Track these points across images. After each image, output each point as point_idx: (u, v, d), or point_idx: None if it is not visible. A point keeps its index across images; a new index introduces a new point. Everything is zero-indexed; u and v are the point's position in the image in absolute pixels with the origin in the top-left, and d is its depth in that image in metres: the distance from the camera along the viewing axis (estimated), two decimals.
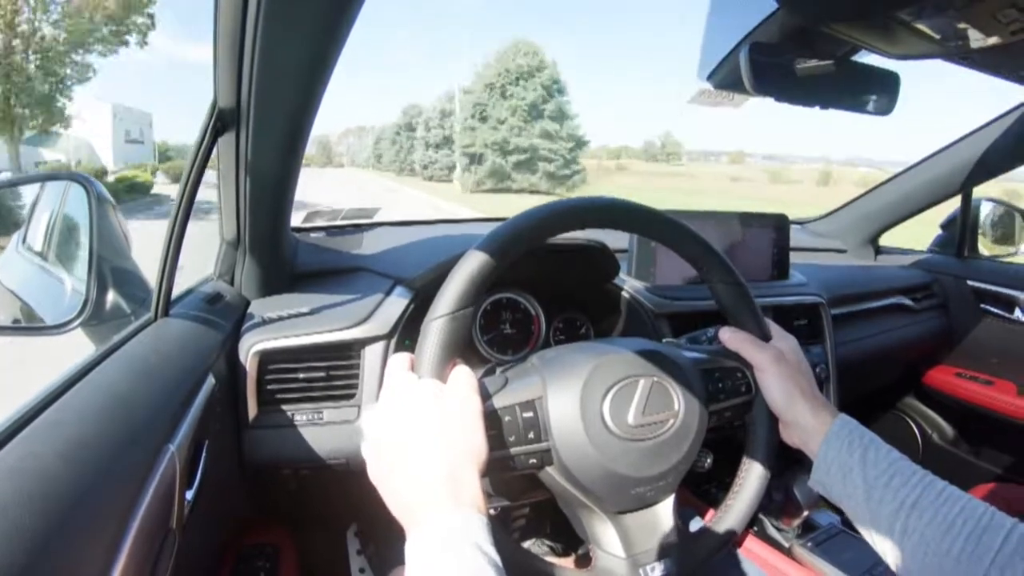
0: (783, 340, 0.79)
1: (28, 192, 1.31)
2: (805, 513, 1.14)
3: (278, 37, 0.64)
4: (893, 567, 0.63)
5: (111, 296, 0.99)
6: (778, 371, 0.74)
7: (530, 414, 0.65)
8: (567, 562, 0.89)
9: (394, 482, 0.56)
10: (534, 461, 0.66)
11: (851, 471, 0.66)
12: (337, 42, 0.65)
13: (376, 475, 0.58)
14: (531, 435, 0.65)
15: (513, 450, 0.64)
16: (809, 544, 1.11)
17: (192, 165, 0.87)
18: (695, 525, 1.11)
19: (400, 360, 0.63)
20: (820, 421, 0.71)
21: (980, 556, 0.56)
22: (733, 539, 0.77)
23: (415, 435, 0.56)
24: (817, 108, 0.90)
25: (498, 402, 0.65)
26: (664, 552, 0.69)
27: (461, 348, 0.63)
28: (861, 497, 0.65)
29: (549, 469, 0.67)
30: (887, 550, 0.64)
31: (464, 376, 0.61)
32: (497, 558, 0.49)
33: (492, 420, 0.63)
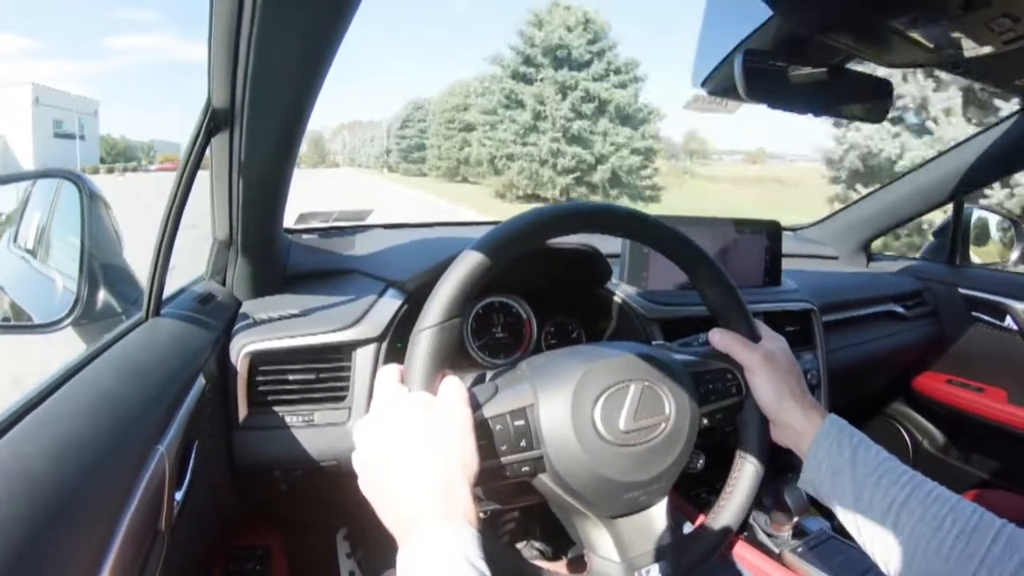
0: (773, 341, 0.79)
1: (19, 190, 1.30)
2: (795, 519, 1.14)
3: (273, 38, 0.64)
4: (882, 566, 0.64)
5: (102, 295, 0.98)
6: (768, 372, 0.74)
7: (521, 422, 0.65)
8: (557, 565, 0.89)
9: (386, 496, 0.56)
10: (527, 469, 0.66)
11: (841, 471, 0.67)
12: (332, 43, 0.65)
13: (368, 488, 0.58)
14: (523, 443, 0.65)
15: (505, 459, 0.64)
16: (800, 550, 1.12)
17: (185, 165, 0.86)
18: (686, 530, 1.11)
19: (389, 372, 0.63)
20: (810, 421, 0.71)
21: (970, 555, 0.56)
22: (727, 540, 0.77)
23: (405, 449, 0.56)
24: (810, 115, 0.91)
25: (488, 411, 0.64)
26: (659, 555, 0.70)
27: (450, 358, 0.63)
28: (851, 497, 0.66)
29: (542, 476, 0.67)
30: (876, 549, 0.64)
31: (454, 387, 0.61)
32: (488, 572, 0.49)
33: (483, 430, 0.63)
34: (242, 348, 0.97)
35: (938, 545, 0.58)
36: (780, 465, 1.03)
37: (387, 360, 1.03)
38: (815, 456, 0.69)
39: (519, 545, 1.42)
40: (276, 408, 1.00)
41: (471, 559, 0.49)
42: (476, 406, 0.64)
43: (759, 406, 0.76)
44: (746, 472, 0.78)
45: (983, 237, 2.04)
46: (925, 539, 0.59)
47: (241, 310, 1.07)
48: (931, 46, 0.77)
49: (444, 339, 0.62)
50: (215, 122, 0.84)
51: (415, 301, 1.06)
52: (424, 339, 0.61)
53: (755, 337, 0.78)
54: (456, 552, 0.49)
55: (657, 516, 0.71)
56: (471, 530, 0.52)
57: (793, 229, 2.22)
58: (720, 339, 0.78)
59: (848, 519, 0.67)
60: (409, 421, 0.58)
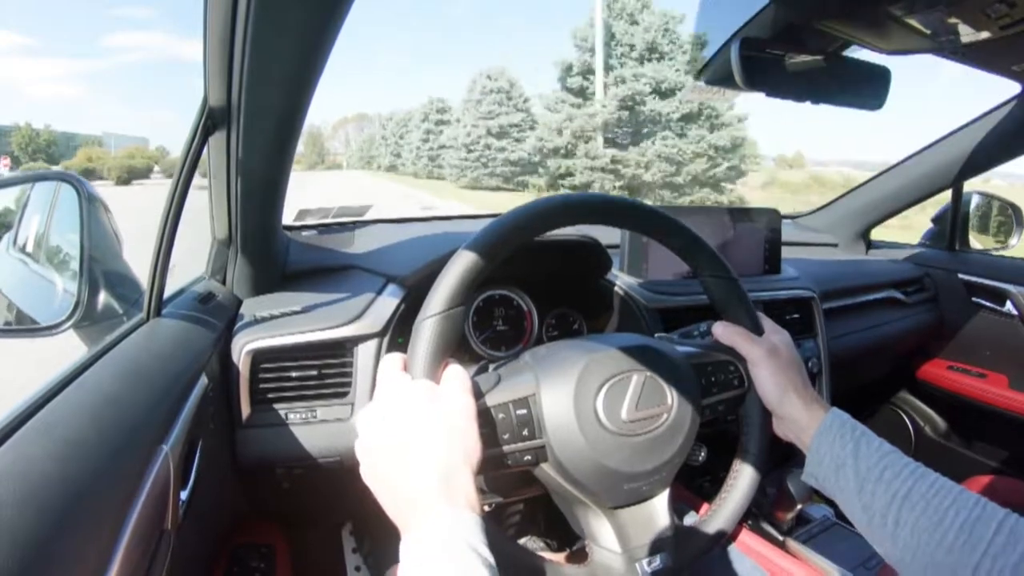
0: (776, 334, 0.79)
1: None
2: (799, 506, 1.14)
3: (268, 36, 0.64)
4: (886, 559, 0.64)
5: (103, 297, 0.98)
6: (771, 365, 0.75)
7: (523, 411, 0.65)
8: (561, 557, 0.90)
9: (388, 484, 0.56)
10: (529, 458, 0.66)
11: (843, 465, 0.67)
12: (327, 40, 0.65)
13: (370, 476, 0.58)
14: (525, 432, 0.65)
15: (507, 447, 0.64)
16: (803, 537, 1.12)
17: (183, 164, 0.86)
18: (690, 520, 1.11)
19: (393, 361, 0.63)
20: (812, 415, 0.72)
21: (972, 546, 0.56)
22: (728, 533, 0.77)
23: (408, 437, 0.56)
24: (808, 103, 0.90)
25: (491, 400, 0.65)
26: (659, 546, 0.70)
27: (453, 347, 0.63)
28: (854, 490, 0.66)
29: (544, 466, 0.67)
30: (880, 542, 0.64)
31: (457, 376, 0.61)
32: (491, 558, 0.49)
33: (485, 418, 0.63)
34: (244, 346, 0.97)
35: (940, 538, 0.58)
36: (782, 453, 1.03)
37: None
38: (817, 451, 0.70)
39: (524, 538, 1.42)
40: (278, 405, 1.00)
41: (474, 545, 0.49)
42: (479, 394, 0.64)
43: (761, 399, 0.76)
44: (748, 465, 0.79)
45: (982, 223, 2.04)
46: (928, 532, 0.59)
47: (242, 309, 1.07)
48: (928, 32, 0.77)
49: (447, 327, 0.62)
50: (212, 120, 0.84)
51: (415, 296, 1.06)
52: (428, 327, 0.61)
53: (758, 330, 0.79)
54: (459, 539, 0.49)
55: (658, 507, 0.72)
56: (474, 516, 0.52)
57: (793, 217, 2.22)
58: (724, 332, 0.79)
59: (851, 512, 0.68)
60: (412, 409, 0.58)
